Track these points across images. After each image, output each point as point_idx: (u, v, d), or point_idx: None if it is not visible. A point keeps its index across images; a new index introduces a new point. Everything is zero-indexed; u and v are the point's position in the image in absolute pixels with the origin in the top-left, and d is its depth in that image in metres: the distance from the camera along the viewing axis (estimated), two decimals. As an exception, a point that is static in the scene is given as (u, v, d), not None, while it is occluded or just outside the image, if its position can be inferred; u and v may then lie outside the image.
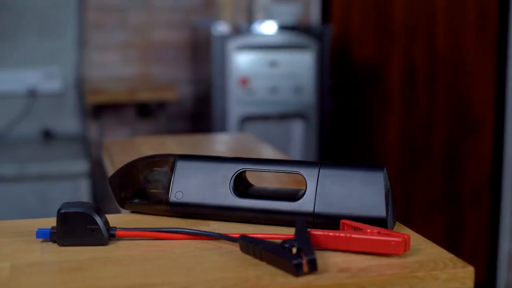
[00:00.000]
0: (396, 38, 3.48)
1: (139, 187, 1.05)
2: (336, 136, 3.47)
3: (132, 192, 1.05)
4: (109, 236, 0.91)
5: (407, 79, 3.52)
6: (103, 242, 0.90)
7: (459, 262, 0.83)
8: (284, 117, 2.98)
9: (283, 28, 2.96)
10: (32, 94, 3.31)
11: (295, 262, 0.78)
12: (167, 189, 1.02)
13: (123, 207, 1.06)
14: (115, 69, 3.40)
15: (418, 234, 0.94)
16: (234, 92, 2.89)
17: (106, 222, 0.92)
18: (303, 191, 0.96)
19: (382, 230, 0.87)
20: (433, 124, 3.60)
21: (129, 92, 2.91)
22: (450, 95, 3.59)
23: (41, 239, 0.92)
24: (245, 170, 1.01)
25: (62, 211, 0.90)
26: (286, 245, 0.82)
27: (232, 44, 2.88)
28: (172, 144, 1.62)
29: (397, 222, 0.99)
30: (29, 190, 2.74)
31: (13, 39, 3.28)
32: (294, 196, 0.97)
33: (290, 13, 3.04)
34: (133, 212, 1.06)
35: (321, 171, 0.96)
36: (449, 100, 3.59)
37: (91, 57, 3.38)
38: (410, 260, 0.83)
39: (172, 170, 1.03)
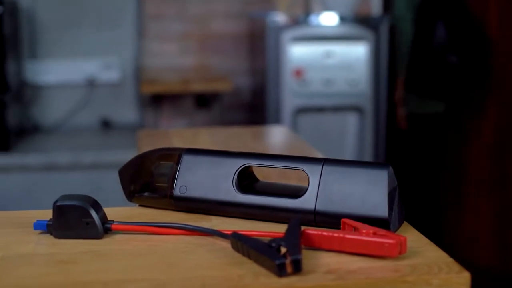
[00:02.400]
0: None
1: (147, 180, 1.04)
2: (396, 130, 3.40)
3: (141, 185, 1.05)
4: (105, 229, 0.91)
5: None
6: (98, 236, 0.89)
7: (455, 267, 0.79)
8: (339, 109, 2.94)
9: (342, 19, 2.91)
10: (91, 84, 3.35)
11: (277, 262, 0.76)
12: (171, 183, 1.01)
13: (130, 200, 1.06)
14: (173, 59, 3.42)
15: (423, 236, 0.90)
16: (289, 84, 2.87)
17: (102, 216, 0.91)
18: (305, 188, 0.94)
19: (379, 230, 0.83)
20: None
21: (183, 82, 2.92)
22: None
23: (39, 231, 0.92)
24: (250, 165, 0.99)
25: (57, 203, 0.90)
26: (273, 244, 0.79)
27: (288, 35, 2.85)
28: (204, 137, 1.61)
29: (405, 223, 0.95)
30: (83, 179, 2.78)
31: (73, 30, 3.34)
32: (297, 193, 0.94)
33: (348, 4, 2.99)
34: (140, 205, 1.05)
35: (324, 168, 0.93)
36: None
37: (149, 48, 3.40)
38: (404, 263, 0.80)
39: (177, 164, 1.01)
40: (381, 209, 0.89)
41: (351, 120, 2.97)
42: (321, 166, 0.93)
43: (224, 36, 3.44)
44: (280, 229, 0.90)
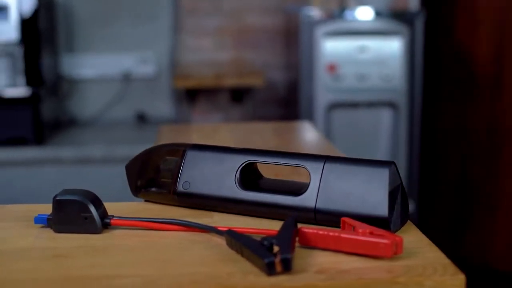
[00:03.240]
0: (484, 25, 3.31)
1: (153, 175, 1.04)
2: (432, 126, 3.35)
3: (147, 181, 1.05)
4: (105, 224, 0.91)
5: (497, 65, 3.35)
6: (96, 230, 0.90)
7: (451, 269, 0.77)
8: (373, 105, 2.91)
9: (377, 14, 2.88)
10: (127, 78, 3.38)
11: (267, 260, 0.75)
12: (175, 178, 1.00)
13: (136, 196, 1.06)
14: (208, 54, 3.42)
15: (424, 236, 0.88)
16: (322, 79, 2.85)
17: (102, 211, 0.91)
18: (307, 185, 0.93)
19: (376, 230, 0.82)
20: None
21: (216, 77, 2.92)
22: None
23: (40, 225, 0.93)
24: (253, 162, 0.98)
25: (57, 198, 0.90)
26: (265, 242, 0.78)
27: (321, 30, 2.83)
28: (224, 133, 1.60)
29: (408, 222, 0.93)
30: (116, 172, 2.79)
31: (110, 24, 3.36)
32: (299, 190, 0.93)
33: (383, -2, 2.96)
34: (146, 200, 1.05)
35: (326, 165, 0.92)
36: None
37: (185, 42, 3.41)
38: (399, 264, 0.78)
39: (182, 159, 1.01)
40: (381, 208, 0.87)
41: (385, 116, 2.93)
42: (322, 164, 0.92)
43: (260, 31, 3.43)
44: (280, 227, 0.89)
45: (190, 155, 1.01)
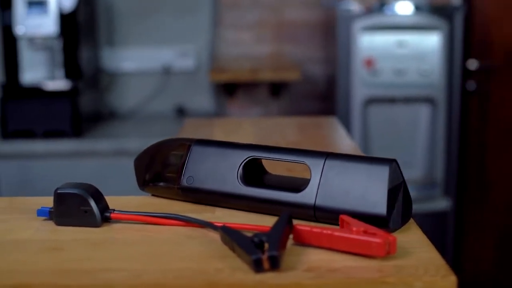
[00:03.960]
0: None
1: (159, 170, 1.04)
2: (471, 122, 3.29)
3: (154, 175, 1.05)
4: (105, 218, 0.91)
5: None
6: (96, 224, 0.90)
7: (443, 270, 0.75)
8: (410, 100, 2.87)
9: (417, 8, 2.84)
10: (167, 71, 3.40)
11: (254, 257, 0.74)
12: (179, 173, 1.00)
13: (143, 190, 1.06)
14: (248, 48, 3.42)
15: (424, 236, 0.87)
16: (359, 74, 2.82)
17: (103, 205, 0.92)
18: (307, 182, 0.92)
19: (370, 229, 0.81)
20: None
21: (251, 71, 2.91)
22: None
23: (43, 218, 0.94)
24: (256, 158, 0.97)
25: (58, 191, 0.91)
26: (256, 239, 0.78)
27: (359, 24, 2.80)
28: (247, 128, 1.60)
29: (411, 221, 0.91)
30: (152, 165, 2.81)
31: (150, 18, 3.38)
32: (300, 187, 0.92)
33: (423, -8, 2.91)
34: (153, 195, 1.06)
35: (326, 162, 0.91)
36: None
37: (225, 36, 3.42)
38: (391, 263, 0.77)
39: (187, 154, 1.01)
40: (380, 206, 0.86)
41: (422, 112, 2.89)
42: (323, 161, 0.91)
43: (299, 25, 3.41)
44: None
45: (195, 150, 1.01)
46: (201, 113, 3.41)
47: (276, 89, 3.37)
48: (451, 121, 2.88)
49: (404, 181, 0.90)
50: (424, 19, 2.82)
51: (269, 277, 0.74)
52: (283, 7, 3.39)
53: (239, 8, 3.40)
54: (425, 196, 2.87)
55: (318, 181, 0.90)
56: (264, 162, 1.02)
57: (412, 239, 0.85)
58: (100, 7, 3.34)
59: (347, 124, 2.88)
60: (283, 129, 1.56)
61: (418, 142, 2.89)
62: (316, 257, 0.79)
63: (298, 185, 0.93)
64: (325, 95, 3.36)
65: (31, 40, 2.88)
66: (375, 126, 2.89)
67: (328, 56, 3.31)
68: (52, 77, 2.92)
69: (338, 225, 0.86)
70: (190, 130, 1.58)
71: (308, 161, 0.92)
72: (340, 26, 2.84)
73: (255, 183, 0.96)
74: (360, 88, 2.84)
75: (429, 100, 2.87)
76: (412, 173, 2.89)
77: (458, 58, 2.84)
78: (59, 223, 0.91)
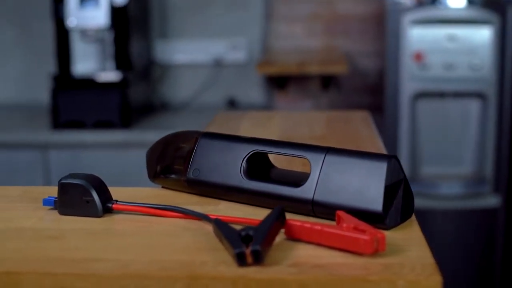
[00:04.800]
0: None
1: (169, 162, 1.05)
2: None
3: (163, 167, 1.06)
4: (107, 209, 0.92)
5: None
6: (97, 214, 0.92)
7: (430, 269, 0.74)
8: (460, 95, 2.82)
9: (470, 2, 2.79)
10: (218, 64, 3.41)
11: (236, 251, 0.75)
12: (186, 165, 1.01)
13: (153, 181, 1.07)
14: (299, 41, 3.41)
15: (421, 235, 0.85)
16: (408, 67, 2.78)
17: (105, 195, 0.93)
18: (307, 176, 0.91)
19: (361, 225, 0.80)
20: None
21: (298, 64, 2.90)
22: None
23: (48, 207, 0.96)
24: (260, 151, 0.97)
25: (61, 181, 0.93)
26: (243, 233, 0.78)
27: (409, 17, 2.76)
28: (276, 121, 1.60)
29: (411, 219, 0.90)
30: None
31: (203, 11, 3.41)
32: (301, 181, 0.92)
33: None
34: (163, 187, 1.07)
35: (326, 157, 0.90)
36: None
37: (276, 29, 3.41)
38: (378, 261, 0.76)
39: (194, 147, 1.02)
40: (376, 202, 0.85)
41: (473, 107, 2.84)
42: (323, 156, 0.90)
43: (351, 18, 3.39)
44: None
45: (202, 143, 1.01)
46: (252, 105, 3.42)
47: (327, 82, 3.35)
48: (501, 117, 2.82)
49: (405, 178, 0.89)
50: (476, 12, 2.77)
51: (251, 271, 0.74)
52: (335, 0, 3.37)
53: (291, 1, 3.39)
54: (474, 193, 2.82)
55: (317, 176, 0.90)
56: (278, 156, 1.02)
57: (408, 237, 0.84)
58: (153, 1, 3.38)
59: (395, 118, 2.85)
60: (312, 124, 1.55)
61: (468, 138, 2.84)
62: (304, 252, 0.79)
63: (300, 179, 0.93)
64: (376, 89, 3.33)
65: (83, 32, 2.93)
66: (424, 121, 2.85)
67: (379, 49, 3.27)
68: (103, 69, 2.98)
69: (335, 220, 0.85)
70: (218, 123, 1.59)
71: (309, 155, 0.92)
72: (390, 19, 2.81)
73: (258, 177, 0.96)
74: (409, 82, 2.80)
75: (480, 95, 2.81)
76: (461, 169, 2.84)
77: (509, 53, 2.78)
78: (62, 212, 0.93)
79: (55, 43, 2.96)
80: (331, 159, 0.90)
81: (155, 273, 0.74)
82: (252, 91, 3.47)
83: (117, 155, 2.85)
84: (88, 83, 2.90)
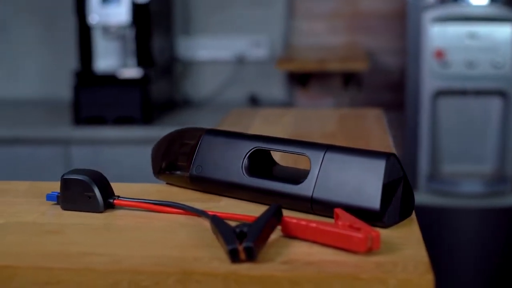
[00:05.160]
0: None
1: (173, 158, 1.06)
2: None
3: (168, 163, 1.07)
4: (108, 204, 0.93)
5: None
6: (98, 209, 0.93)
7: (422, 268, 0.73)
8: (481, 93, 2.79)
9: (493, -1, 2.76)
10: (240, 60, 3.42)
11: (229, 247, 0.75)
12: (189, 162, 1.02)
13: (157, 178, 1.08)
14: (322, 38, 3.41)
15: (418, 233, 0.85)
16: (429, 65, 2.76)
17: (107, 191, 0.94)
18: (307, 174, 0.91)
19: (357, 223, 0.80)
20: None
21: (318, 61, 2.90)
22: None
23: (52, 202, 0.97)
24: (261, 149, 0.98)
25: (64, 176, 0.94)
26: (237, 230, 0.78)
27: (430, 14, 2.75)
28: (288, 119, 1.60)
29: (411, 217, 0.90)
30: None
31: (225, 7, 3.41)
32: (300, 178, 0.92)
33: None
34: (167, 183, 1.07)
35: (326, 155, 0.90)
36: None
37: (299, 26, 3.41)
38: (371, 259, 0.76)
39: (197, 143, 1.02)
40: (373, 200, 0.85)
41: (494, 105, 2.81)
42: (323, 153, 0.91)
43: (374, 15, 3.37)
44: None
45: (205, 139, 1.02)
46: (274, 102, 3.42)
47: (348, 80, 3.34)
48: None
49: (405, 176, 0.89)
50: (498, 10, 2.74)
51: (243, 267, 0.74)
52: (357, -3, 3.36)
53: (313, -2, 3.38)
54: (495, 192, 2.79)
55: (316, 173, 0.90)
56: (284, 154, 1.02)
57: (405, 235, 0.84)
58: (176, -3, 3.40)
59: (416, 116, 2.83)
60: (324, 121, 1.55)
61: (489, 136, 2.81)
62: (298, 249, 0.79)
63: (300, 177, 0.93)
64: (397, 86, 3.31)
65: (105, 29, 2.95)
66: (445, 118, 2.83)
67: (401, 47, 3.25)
68: (124, 65, 2.99)
69: (333, 218, 0.85)
70: (231, 119, 1.59)
71: (309, 153, 0.92)
72: (411, 17, 2.80)
73: (259, 174, 0.96)
74: (430, 80, 2.78)
75: (501, 93, 2.78)
76: (482, 168, 2.82)
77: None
78: (65, 208, 0.94)
79: (77, 40, 2.98)
80: (330, 156, 0.90)
81: (149, 268, 0.75)
82: (274, 88, 3.47)
83: (138, 151, 2.86)
84: (110, 80, 2.92)
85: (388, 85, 3.40)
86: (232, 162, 0.98)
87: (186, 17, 3.46)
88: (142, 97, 2.89)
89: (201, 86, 3.50)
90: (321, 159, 0.90)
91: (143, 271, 0.74)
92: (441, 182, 2.82)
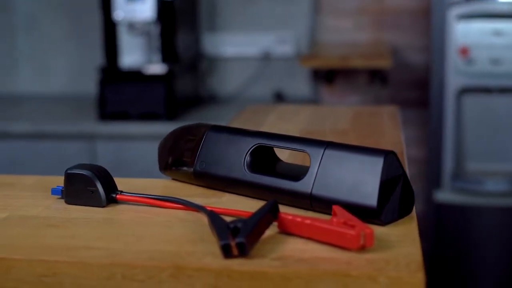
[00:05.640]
0: None
1: (179, 154, 1.07)
2: None
3: (174, 159, 1.07)
4: (111, 199, 0.94)
5: None
6: (101, 204, 0.94)
7: (414, 266, 0.73)
8: (507, 91, 2.76)
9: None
10: (266, 57, 3.42)
11: (222, 243, 0.76)
12: (194, 158, 1.03)
13: (163, 173, 1.09)
14: (347, 35, 3.39)
15: (415, 231, 0.85)
16: (454, 62, 2.74)
17: (110, 186, 0.95)
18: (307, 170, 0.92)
19: (352, 220, 0.80)
20: None
21: (341, 58, 2.89)
22: None
23: (57, 196, 0.98)
24: (263, 145, 0.98)
25: (68, 171, 0.95)
26: (231, 225, 0.79)
27: (455, 11, 2.72)
28: (303, 115, 1.59)
29: (411, 215, 0.89)
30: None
31: (252, 4, 3.41)
32: (302, 175, 0.92)
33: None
34: (173, 178, 1.08)
35: (326, 152, 0.90)
36: None
37: (324, 23, 3.40)
38: (364, 256, 0.76)
39: (201, 140, 1.03)
40: (371, 198, 0.85)
41: (520, 103, 2.78)
42: (323, 150, 0.91)
43: (400, 12, 3.35)
44: (282, 209, 0.88)
45: (209, 136, 1.03)
46: (300, 99, 3.42)
47: (375, 77, 3.32)
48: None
49: (404, 174, 0.89)
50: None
51: (235, 263, 0.75)
52: (384, -6, 3.34)
53: (339, -6, 3.37)
54: (520, 191, 2.76)
55: (316, 170, 0.90)
56: (292, 151, 1.02)
57: (402, 233, 0.84)
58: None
59: (440, 113, 2.81)
60: (337, 118, 1.55)
61: (514, 136, 2.78)
62: (292, 246, 0.79)
63: (301, 173, 0.93)
64: (423, 83, 3.29)
65: (130, 25, 2.97)
66: (469, 116, 2.80)
67: (428, 44, 3.23)
68: (149, 61, 3.01)
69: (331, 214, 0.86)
70: (245, 116, 1.60)
71: (309, 149, 0.92)
72: (435, 13, 2.78)
73: (261, 170, 0.97)
74: (455, 77, 2.76)
75: (527, 91, 2.75)
76: (507, 166, 2.79)
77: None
78: (68, 202, 0.96)
79: (103, 36, 3.01)
80: (330, 153, 0.90)
81: (142, 262, 0.75)
82: (300, 85, 3.46)
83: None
84: (135, 76, 2.94)
85: (413, 83, 3.38)
86: (235, 158, 0.98)
87: (212, 13, 3.47)
88: (166, 93, 2.90)
89: (227, 82, 3.51)
90: (321, 156, 0.90)
91: (137, 265, 0.75)
92: (466, 180, 2.79)
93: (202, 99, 3.41)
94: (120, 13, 2.90)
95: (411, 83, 3.37)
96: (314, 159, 0.91)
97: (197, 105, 3.28)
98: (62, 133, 2.95)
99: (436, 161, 2.83)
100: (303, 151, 0.93)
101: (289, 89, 3.46)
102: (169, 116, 2.92)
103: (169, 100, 2.91)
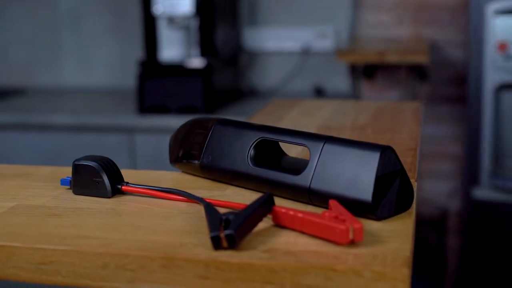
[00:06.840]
0: None
1: (188, 147, 1.09)
2: None
3: (184, 152, 1.09)
4: (116, 190, 0.97)
5: None
6: (106, 195, 0.96)
7: (399, 261, 0.74)
8: (547, 87, 2.72)
9: None
10: (306, 52, 3.42)
11: (211, 234, 0.77)
12: (200, 151, 1.04)
13: (173, 166, 1.11)
14: (387, 30, 3.37)
15: (410, 227, 0.85)
16: (492, 58, 2.71)
17: (116, 177, 0.97)
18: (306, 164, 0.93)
19: (344, 215, 0.81)
20: None
21: (377, 53, 2.87)
22: None
23: (66, 187, 1.01)
24: (266, 139, 0.99)
25: (75, 162, 0.98)
26: (224, 217, 0.80)
27: (493, 6, 2.69)
28: (325, 110, 1.60)
29: (409, 211, 0.89)
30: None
31: (292, -1, 3.43)
32: (302, 169, 0.93)
33: None
34: (182, 171, 1.10)
35: (325, 146, 0.91)
36: None
37: (364, 18, 3.39)
38: (352, 251, 0.77)
39: (208, 133, 1.05)
40: (366, 192, 0.85)
41: (560, 100, 2.73)
42: (322, 144, 0.92)
43: (440, 7, 3.31)
44: (283, 203, 0.90)
45: (216, 129, 1.04)
46: (339, 94, 3.41)
47: (415, 72, 3.30)
48: None
49: (402, 169, 0.89)
50: None
51: (223, 255, 0.76)
52: (425, -12, 3.31)
53: (380, -11, 3.35)
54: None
55: (315, 164, 0.91)
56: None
57: (396, 228, 0.84)
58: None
59: (478, 110, 2.78)
60: (358, 113, 1.55)
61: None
62: (283, 239, 0.80)
63: (302, 167, 0.94)
64: (462, 79, 3.25)
65: (169, 20, 3.01)
66: (508, 113, 2.77)
67: (467, 39, 3.19)
68: (188, 55, 3.04)
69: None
70: (267, 110, 1.61)
71: (309, 144, 0.93)
72: (473, 9, 2.74)
73: (264, 164, 0.98)
74: (493, 73, 2.72)
75: None
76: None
77: None
78: (76, 192, 0.98)
79: (143, 30, 3.05)
80: (329, 147, 0.91)
81: (134, 252, 0.77)
82: (339, 80, 3.46)
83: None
84: (174, 69, 2.98)
85: (452, 78, 3.34)
86: (239, 152, 1.00)
87: (253, 8, 3.48)
88: (204, 86, 2.93)
89: (267, 76, 3.53)
90: (320, 150, 0.91)
91: (129, 255, 0.77)
92: (504, 177, 2.76)
93: (242, 93, 3.43)
94: (159, 7, 2.94)
95: (450, 79, 3.34)
96: (313, 153, 0.92)
97: (236, 99, 3.30)
98: (103, 125, 2.99)
99: (474, 158, 2.80)
100: (303, 145, 0.94)
101: (329, 84, 3.46)
102: (207, 109, 2.94)
103: (207, 94, 2.94)
